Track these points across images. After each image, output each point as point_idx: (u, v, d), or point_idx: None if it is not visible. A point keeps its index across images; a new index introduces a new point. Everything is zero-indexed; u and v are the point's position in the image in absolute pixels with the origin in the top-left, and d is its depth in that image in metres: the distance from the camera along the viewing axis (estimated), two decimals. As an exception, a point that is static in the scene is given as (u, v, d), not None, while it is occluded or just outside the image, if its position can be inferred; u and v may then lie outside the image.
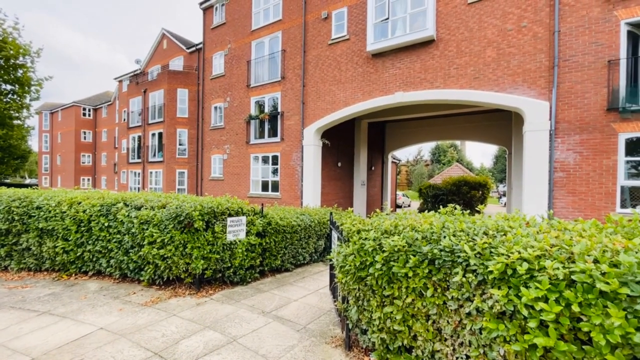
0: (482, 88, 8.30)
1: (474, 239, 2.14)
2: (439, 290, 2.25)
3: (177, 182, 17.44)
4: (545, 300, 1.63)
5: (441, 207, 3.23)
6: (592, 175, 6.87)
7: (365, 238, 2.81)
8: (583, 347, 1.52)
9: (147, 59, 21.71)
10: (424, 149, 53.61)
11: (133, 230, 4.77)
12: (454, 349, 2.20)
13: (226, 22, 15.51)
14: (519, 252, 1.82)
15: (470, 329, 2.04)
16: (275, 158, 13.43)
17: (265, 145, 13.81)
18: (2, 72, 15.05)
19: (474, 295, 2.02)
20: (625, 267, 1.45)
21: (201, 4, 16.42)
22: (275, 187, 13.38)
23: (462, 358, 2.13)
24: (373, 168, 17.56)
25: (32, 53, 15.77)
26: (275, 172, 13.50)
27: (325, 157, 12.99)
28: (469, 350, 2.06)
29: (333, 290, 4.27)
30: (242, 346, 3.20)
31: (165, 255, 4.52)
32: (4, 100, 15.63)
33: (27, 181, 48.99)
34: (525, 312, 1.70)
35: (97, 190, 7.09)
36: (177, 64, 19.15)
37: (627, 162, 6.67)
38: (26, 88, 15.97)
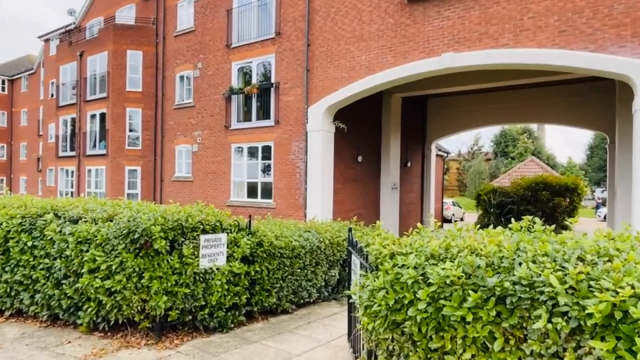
0: (571, 46, 8.21)
1: (563, 267, 2.13)
2: (512, 341, 2.25)
3: (127, 185, 17.71)
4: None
5: (512, 220, 3.21)
6: None
7: (402, 265, 2.82)
8: None
9: (85, 9, 22.15)
10: (484, 137, 53.20)
11: (67, 252, 4.86)
12: None
13: (197, -45, 15.74)
14: (633, 287, 1.81)
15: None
16: (267, 150, 13.52)
17: (252, 132, 13.91)
18: None
19: (564, 350, 2.01)
20: None
21: None
22: (268, 191, 13.46)
23: None
24: (409, 164, 17.50)
25: None
26: (267, 170, 13.58)
27: (340, 148, 13.01)
28: None
29: (353, 341, 4.28)
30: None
31: (113, 289, 4.59)
32: None
33: None
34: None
35: (15, 195, 7.29)
36: (126, 15, 19.48)
37: None
38: None
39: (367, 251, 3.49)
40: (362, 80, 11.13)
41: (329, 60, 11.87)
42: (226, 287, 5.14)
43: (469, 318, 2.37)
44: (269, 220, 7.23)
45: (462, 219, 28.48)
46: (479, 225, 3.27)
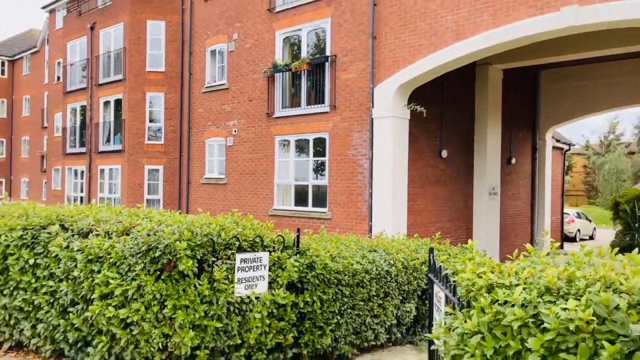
0: None
1: None
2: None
3: (147, 188, 18.73)
4: None
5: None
6: None
7: (505, 302, 2.74)
8: None
9: (97, -29, 23.71)
10: (624, 121, 50.11)
11: (75, 272, 5.20)
12: None
13: None
14: None
15: None
16: (320, 143, 13.68)
17: (302, 120, 14.14)
18: None
19: None
20: None
21: None
22: (321, 197, 13.61)
23: None
24: (514, 161, 16.98)
25: None
26: (320, 169, 13.74)
27: (417, 140, 12.87)
28: None
29: (436, 401, 4.21)
30: None
31: (129, 320, 4.85)
32: None
33: None
34: None
35: (15, 202, 7.93)
36: (146, -24, 20.60)
37: None
38: None
39: (454, 281, 3.42)
40: (448, 49, 10.95)
41: (403, 24, 11.78)
42: (268, 321, 5.24)
43: (603, 383, 2.25)
44: (322, 235, 7.30)
45: (591, 237, 27.11)
46: (617, 248, 3.09)
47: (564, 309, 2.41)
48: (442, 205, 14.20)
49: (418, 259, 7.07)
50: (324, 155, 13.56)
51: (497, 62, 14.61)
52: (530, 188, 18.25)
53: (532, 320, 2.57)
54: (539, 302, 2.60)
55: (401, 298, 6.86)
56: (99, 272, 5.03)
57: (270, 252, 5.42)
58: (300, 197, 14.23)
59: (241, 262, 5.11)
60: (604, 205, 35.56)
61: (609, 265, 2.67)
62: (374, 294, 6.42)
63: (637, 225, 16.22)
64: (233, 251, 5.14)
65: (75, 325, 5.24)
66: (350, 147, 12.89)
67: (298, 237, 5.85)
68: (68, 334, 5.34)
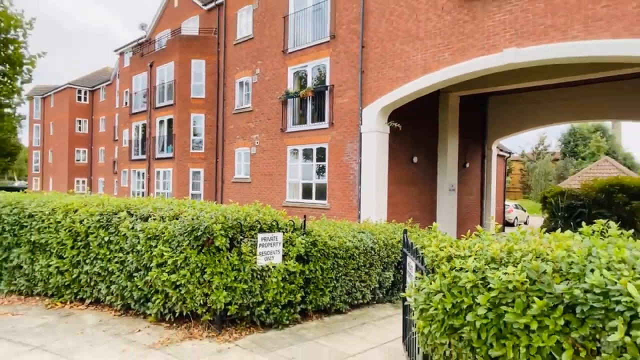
0: (654, 35, 7.45)
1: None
2: (582, 353, 2.07)
3: (191, 185, 18.73)
4: None
5: (583, 224, 2.98)
6: None
7: (461, 268, 2.72)
8: None
9: (154, 23, 23.78)
10: (550, 136, 49.92)
11: (138, 247, 5.23)
12: None
13: (255, -35, 16.29)
14: None
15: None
16: (321, 152, 13.65)
17: (307, 134, 14.12)
18: (-9, 49, 17.69)
19: (646, 367, 1.82)
20: None
21: (222, -57, 17.51)
22: (322, 192, 13.58)
23: None
24: (468, 165, 16.88)
25: (24, 24, 18.24)
26: (321, 171, 13.71)
27: (394, 149, 12.82)
28: None
29: (408, 344, 4.19)
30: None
31: (178, 282, 4.87)
32: (-7, 84, 18.31)
33: (17, 183, 57.02)
34: None
35: (95, 195, 7.94)
36: (191, 26, 20.63)
37: None
38: (17, 68, 18.47)
39: (422, 253, 3.41)
40: (418, 80, 10.90)
41: (384, 61, 11.75)
42: (282, 284, 5.26)
43: (534, 326, 2.22)
44: (323, 220, 7.30)
45: (525, 223, 26.95)
46: (544, 229, 3.07)
47: (505, 274, 2.40)
48: (414, 199, 14.16)
49: (395, 238, 7.05)
50: (324, 161, 13.54)
51: (455, 90, 14.54)
52: (480, 186, 18.17)
53: (481, 282, 2.55)
54: (486, 268, 2.58)
55: (382, 267, 6.84)
56: (155, 246, 5.08)
57: (283, 232, 5.43)
58: (306, 192, 14.22)
59: (262, 239, 5.13)
60: (535, 199, 35.36)
61: (538, 241, 2.65)
62: (362, 264, 6.41)
63: (559, 213, 16.10)
64: (256, 232, 5.15)
65: (139, 286, 5.30)
66: (344, 154, 12.87)
67: (304, 222, 5.85)
68: (134, 293, 5.40)
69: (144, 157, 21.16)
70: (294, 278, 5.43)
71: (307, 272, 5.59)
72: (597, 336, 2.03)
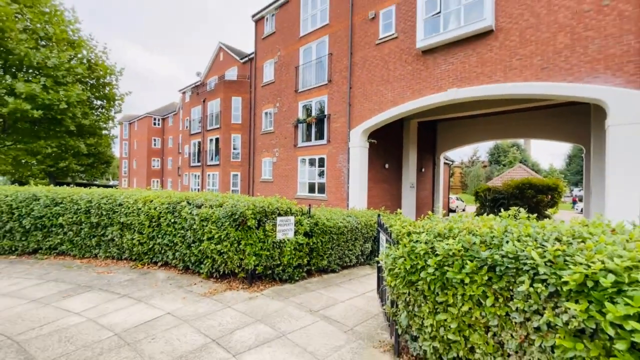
0: (553, 79, 7.41)
1: (543, 245, 1.92)
2: (500, 299, 2.07)
3: (232, 184, 18.71)
4: (638, 319, 1.39)
5: (502, 211, 2.97)
6: (703, 176, 5.67)
7: (417, 241, 2.71)
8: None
9: (206, 71, 23.76)
10: (481, 149, 49.62)
11: (194, 226, 5.22)
12: (519, 367, 1.99)
13: (276, 31, 16.26)
14: (603, 262, 1.58)
15: (540, 346, 1.83)
16: (321, 160, 13.62)
17: (312, 148, 14.09)
18: (94, 90, 17.80)
19: (544, 308, 1.81)
20: None
21: (253, 16, 17.47)
22: (322, 189, 13.56)
23: (529, 378, 1.92)
24: (423, 170, 16.79)
25: (116, 72, 18.32)
26: (321, 174, 13.68)
27: (372, 158, 12.79)
28: (538, 369, 1.84)
29: (381, 293, 4.17)
30: (291, 341, 3.30)
31: (222, 251, 4.87)
32: (95, 113, 18.42)
33: (111, 183, 57.13)
34: (611, 331, 1.47)
35: (165, 190, 7.94)
36: (231, 74, 20.62)
37: None
38: (111, 102, 18.59)
39: (391, 230, 3.40)
40: (388, 111, 10.87)
41: (365, 97, 11.72)
42: (293, 252, 5.24)
43: (467, 280, 2.22)
44: (322, 208, 7.26)
45: (464, 210, 26.85)
46: (476, 214, 3.05)
47: (447, 244, 2.39)
48: (385, 193, 14.12)
49: (372, 220, 7.00)
50: (323, 167, 13.50)
51: (414, 118, 14.50)
52: (432, 184, 18.07)
53: (430, 250, 2.54)
54: (434, 240, 2.57)
55: (363, 240, 6.79)
56: (206, 226, 5.05)
57: (295, 216, 5.40)
58: (311, 188, 14.18)
59: (280, 221, 5.10)
60: (470, 193, 35.23)
61: (470, 222, 2.64)
62: (349, 238, 6.36)
63: (487, 203, 16.06)
64: (275, 215, 5.12)
65: (194, 253, 5.26)
66: (337, 162, 12.83)
67: (309, 209, 5.82)
68: (191, 258, 5.37)
69: (199, 164, 21.15)
70: (302, 248, 5.41)
71: (311, 244, 5.56)
72: (511, 287, 2.02)
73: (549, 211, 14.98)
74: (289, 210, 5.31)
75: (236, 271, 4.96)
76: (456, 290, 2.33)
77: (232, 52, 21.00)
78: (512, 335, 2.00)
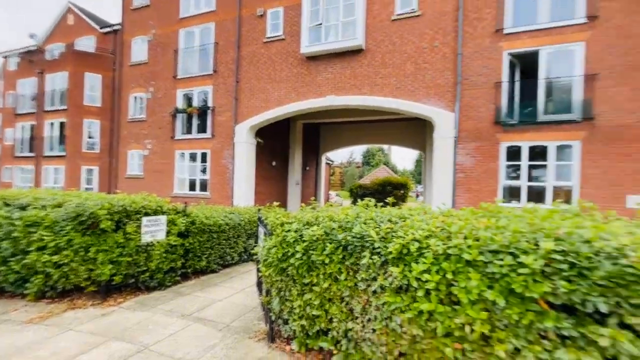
0: (402, 97, 9.24)
1: (379, 226, 2.39)
2: (351, 273, 2.45)
3: (84, 181, 15.01)
4: (429, 272, 1.94)
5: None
6: (483, 176, 8.28)
7: (288, 230, 2.88)
8: (454, 307, 1.85)
9: (46, 35, 18.18)
10: (356, 152, 56.83)
11: (15, 234, 3.96)
12: (363, 326, 2.42)
13: (150, 5, 14.04)
14: (413, 234, 2.12)
15: (376, 305, 2.28)
16: (204, 155, 12.64)
17: (193, 142, 12.88)
18: None
19: (378, 275, 2.26)
20: (482, 240, 1.83)
21: (118, -21, 14.53)
22: (204, 186, 12.60)
23: (369, 332, 2.36)
24: (308, 168, 17.86)
25: None
26: (204, 170, 12.70)
27: (260, 156, 12.75)
28: (374, 324, 2.29)
29: (259, 285, 4.25)
30: (156, 353, 2.96)
31: (61, 262, 3.87)
32: None
33: None
34: (415, 284, 1.98)
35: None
36: (86, 44, 16.50)
37: (507, 166, 8.22)
38: None
39: (266, 222, 3.49)
40: (274, 109, 11.08)
41: (252, 94, 11.57)
42: (164, 255, 4.69)
43: (327, 261, 2.52)
44: (202, 206, 6.76)
45: (341, 205, 29.94)
46: (342, 205, 3.46)
47: (312, 230, 2.65)
48: (273, 189, 14.34)
49: (257, 216, 7.02)
50: (206, 162, 12.57)
51: (300, 119, 15.27)
52: (315, 182, 19.40)
53: (299, 237, 2.76)
54: (303, 228, 2.80)
55: (247, 237, 6.72)
56: (35, 232, 3.92)
57: (167, 215, 4.85)
58: (192, 186, 12.96)
59: (147, 221, 4.47)
60: (347, 190, 39.51)
61: (332, 210, 2.99)
62: (231, 236, 6.18)
63: (357, 198, 18.59)
64: (141, 215, 4.46)
65: (15, 270, 4.01)
66: (222, 158, 12.19)
67: (185, 207, 5.34)
68: (9, 276, 4.07)
69: (31, 154, 16.02)
70: (176, 250, 4.91)
71: (187, 245, 5.11)
72: (358, 262, 2.42)
73: (389, 199, 18.73)
74: (159, 209, 4.72)
75: (83, 285, 4.04)
76: (319, 270, 2.62)
77: (88, 17, 16.84)
78: (358, 301, 2.41)
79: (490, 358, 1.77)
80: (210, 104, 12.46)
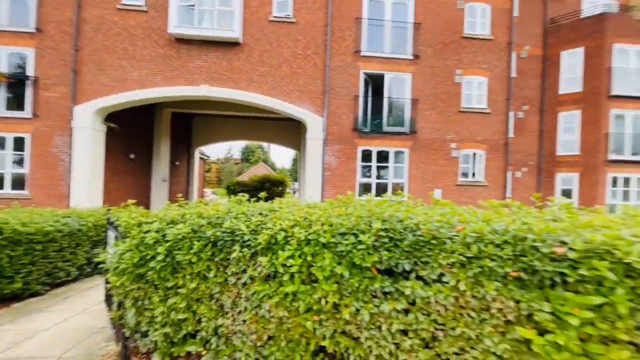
0: (279, 98, 9.62)
1: (250, 219, 2.48)
2: (221, 269, 2.43)
3: None
4: (293, 257, 2.17)
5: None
6: (345, 174, 9.67)
7: (147, 230, 2.57)
8: (314, 285, 2.15)
9: None
10: (235, 148, 54.91)
11: None
12: (234, 319, 2.44)
13: None
14: (280, 225, 2.31)
15: (246, 297, 2.35)
16: (19, 142, 9.34)
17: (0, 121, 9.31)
18: None
19: (248, 267, 2.34)
20: (335, 225, 2.20)
21: None
22: (20, 182, 9.32)
23: (240, 324, 2.41)
24: (177, 163, 16.01)
25: None
26: (20, 162, 9.39)
27: (112, 146, 10.49)
28: (244, 315, 2.36)
29: (108, 300, 3.57)
30: None
31: None
32: None
33: None
34: (281, 269, 2.17)
35: None
36: None
37: (363, 166, 9.91)
38: None
39: (118, 223, 2.99)
40: (134, 92, 9.36)
41: (100, 69, 9.35)
42: (-59, 281, 3.25)
43: (195, 259, 2.41)
44: (16, 209, 5.03)
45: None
46: (213, 201, 3.33)
47: (177, 229, 2.46)
48: (130, 187, 12.09)
49: (105, 219, 5.80)
50: (23, 151, 9.31)
51: (168, 107, 13.47)
52: (186, 179, 17.66)
53: (162, 237, 2.51)
54: (166, 227, 2.55)
55: (91, 246, 5.46)
56: None
57: (-55, 222, 3.36)
58: (-2, 182, 9.35)
59: None
60: (225, 187, 37.87)
61: (202, 207, 2.86)
62: (66, 245, 4.90)
63: (233, 194, 18.11)
64: None
65: None
66: (52, 146, 9.31)
67: (-17, 209, 3.85)
68: None
69: None
70: (-36, 271, 3.48)
71: (-14, 262, 3.70)
72: (228, 257, 2.42)
73: (261, 193, 19.45)
74: None
75: None
76: (185, 270, 2.46)
77: None
78: (228, 296, 2.41)
79: (339, 322, 2.16)
80: (31, 72, 9.28)
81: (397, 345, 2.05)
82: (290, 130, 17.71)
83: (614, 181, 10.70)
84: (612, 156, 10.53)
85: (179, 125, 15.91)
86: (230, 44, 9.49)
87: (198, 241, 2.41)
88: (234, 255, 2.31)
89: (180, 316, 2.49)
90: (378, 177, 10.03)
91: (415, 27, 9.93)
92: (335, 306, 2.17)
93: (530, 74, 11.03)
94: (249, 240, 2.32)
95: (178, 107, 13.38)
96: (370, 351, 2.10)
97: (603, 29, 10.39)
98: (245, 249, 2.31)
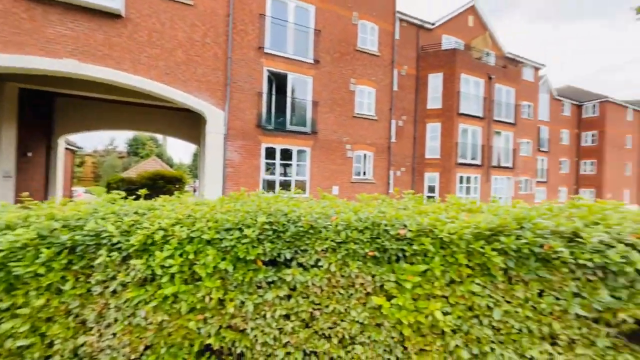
0: (173, 85, 8.67)
1: (122, 219, 2.20)
2: (81, 279, 2.09)
3: None
4: (172, 257, 2.06)
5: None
6: (248, 170, 9.50)
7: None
8: (197, 283, 2.09)
9: None
10: (119, 139, 46.47)
11: None
12: (100, 335, 2.14)
13: None
14: (159, 223, 2.14)
15: (116, 306, 2.09)
16: None
17: None
18: None
19: (119, 272, 2.08)
20: (220, 222, 2.19)
21: None
22: None
23: (109, 338, 2.13)
24: (30, 154, 12.49)
25: None
26: None
27: None
28: (114, 327, 2.10)
29: None
30: None
31: None
32: None
33: None
34: (159, 271, 2.03)
35: None
36: None
37: (266, 163, 9.92)
38: None
39: None
40: (-49, 55, 6.84)
41: None
42: None
43: (42, 271, 2.00)
44: None
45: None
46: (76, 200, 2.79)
47: (15, 235, 1.97)
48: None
49: None
50: None
51: (15, 81, 10.36)
52: (45, 174, 14.00)
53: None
54: (-3, 235, 2.02)
55: None
56: None
57: None
58: None
59: None
60: (104, 185, 31.99)
61: (55, 206, 2.39)
62: None
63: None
64: None
65: None
66: None
67: None
68: None
69: None
70: None
71: None
72: (91, 264, 2.10)
73: (141, 191, 17.48)
74: None
75: None
76: (29, 286, 2.01)
77: None
78: (93, 309, 2.09)
79: (224, 317, 2.16)
80: None
81: (281, 330, 2.20)
82: (187, 123, 16.17)
83: (461, 179, 13.94)
84: (460, 160, 13.69)
85: (34, 107, 12.42)
86: (107, 15, 7.98)
87: (48, 248, 2.00)
88: (99, 260, 2.02)
89: (21, 342, 2.03)
90: (282, 174, 10.24)
91: (316, 33, 10.52)
92: (220, 302, 2.17)
93: (407, 89, 13.22)
94: (119, 242, 2.07)
95: (31, 83, 10.45)
96: (256, 340, 2.19)
97: (454, 61, 13.35)
98: (114, 253, 2.05)
